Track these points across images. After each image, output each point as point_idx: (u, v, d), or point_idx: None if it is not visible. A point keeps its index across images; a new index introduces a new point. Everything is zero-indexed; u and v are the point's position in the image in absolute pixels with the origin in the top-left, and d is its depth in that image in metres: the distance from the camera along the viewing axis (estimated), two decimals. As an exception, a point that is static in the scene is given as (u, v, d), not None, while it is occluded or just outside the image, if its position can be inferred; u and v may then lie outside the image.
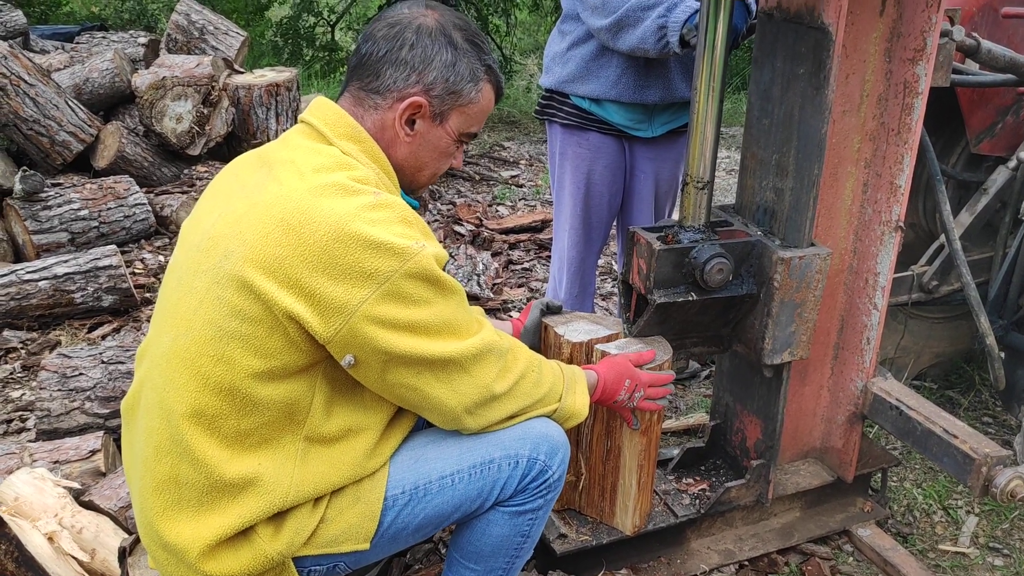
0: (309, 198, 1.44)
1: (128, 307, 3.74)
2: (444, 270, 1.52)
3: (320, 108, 1.61)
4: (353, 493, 1.58)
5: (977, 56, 2.22)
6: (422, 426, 1.72)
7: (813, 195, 1.95)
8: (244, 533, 1.51)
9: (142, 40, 5.55)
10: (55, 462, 2.45)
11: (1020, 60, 2.29)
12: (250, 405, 1.47)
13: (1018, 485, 1.93)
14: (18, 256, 4.21)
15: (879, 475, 2.53)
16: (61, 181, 4.40)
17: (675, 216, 3.26)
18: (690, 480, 2.36)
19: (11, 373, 3.32)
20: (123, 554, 1.76)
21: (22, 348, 3.48)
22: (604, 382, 1.83)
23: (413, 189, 1.69)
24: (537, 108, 3.00)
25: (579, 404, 1.73)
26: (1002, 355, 2.64)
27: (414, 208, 1.59)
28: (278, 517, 1.53)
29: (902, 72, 1.99)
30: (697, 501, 2.29)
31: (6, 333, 3.54)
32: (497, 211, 5.28)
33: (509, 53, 10.86)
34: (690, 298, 2.01)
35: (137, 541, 1.78)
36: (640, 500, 2.12)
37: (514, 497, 1.66)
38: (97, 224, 4.25)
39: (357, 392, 1.57)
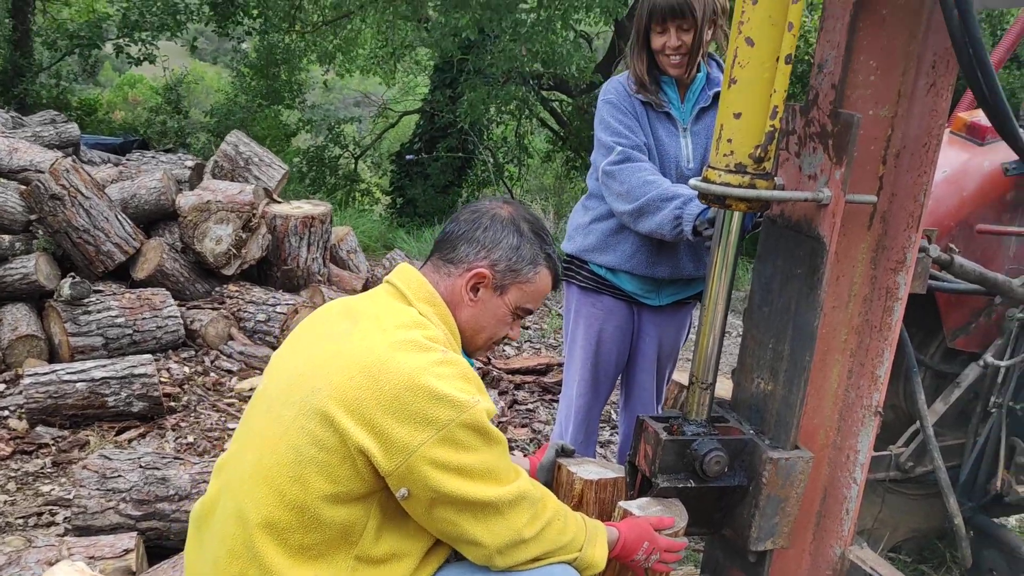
0: (389, 351, 1.72)
1: (155, 414, 3.96)
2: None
3: (404, 273, 1.93)
4: (391, 610, 1.78)
5: (951, 270, 2.55)
6: (453, 558, 1.94)
7: (804, 378, 2.24)
8: (294, 637, 1.71)
9: (189, 163, 5.97)
10: (91, 557, 2.63)
11: (988, 275, 2.63)
12: (315, 523, 1.70)
13: (976, 658, 2.13)
14: (52, 355, 4.45)
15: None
16: (101, 288, 4.69)
17: (676, 377, 3.57)
18: (678, 628, 2.55)
19: (42, 468, 3.52)
20: (168, 649, 1.94)
21: (53, 445, 3.68)
22: (624, 540, 2.02)
23: (472, 351, 1.97)
24: (559, 270, 3.32)
25: (598, 556, 1.94)
26: (970, 535, 2.87)
27: (472, 366, 1.87)
28: (324, 625, 1.73)
29: (885, 279, 2.31)
30: (684, 648, 2.47)
31: (39, 429, 3.75)
32: (504, 351, 5.56)
33: (520, 195, 11.47)
34: (689, 484, 2.26)
35: (182, 637, 1.97)
36: (638, 644, 2.30)
37: (535, 633, 1.86)
38: (131, 332, 4.52)
39: (404, 521, 1.80)
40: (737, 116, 1.99)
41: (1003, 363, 2.89)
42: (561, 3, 8.75)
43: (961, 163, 3.03)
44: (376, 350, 1.72)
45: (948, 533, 3.41)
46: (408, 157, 9.46)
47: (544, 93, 11.83)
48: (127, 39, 11.80)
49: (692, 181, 2.14)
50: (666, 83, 2.92)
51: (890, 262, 2.29)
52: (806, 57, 9.25)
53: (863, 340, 2.37)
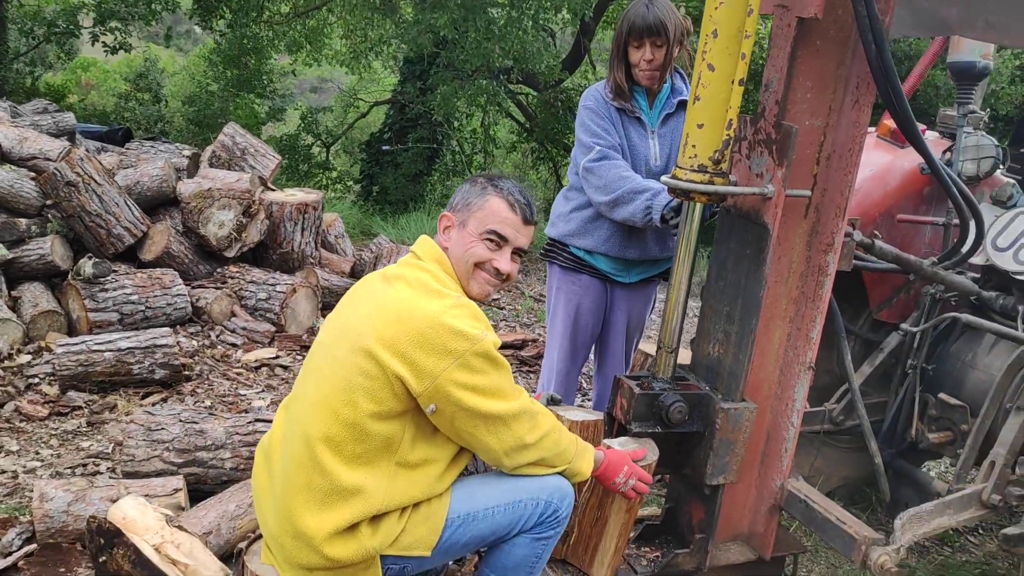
0: (415, 298, 2.20)
1: (174, 381, 4.37)
2: None
3: (422, 243, 2.42)
4: (426, 511, 2.26)
5: (872, 251, 3.07)
6: (472, 466, 2.42)
7: (751, 340, 2.74)
8: (351, 530, 2.17)
9: (186, 152, 6.34)
10: (146, 495, 3.06)
11: (903, 256, 3.16)
12: (363, 436, 2.17)
13: (886, 560, 2.66)
14: (71, 330, 4.83)
15: (792, 563, 3.24)
16: (116, 269, 5.07)
17: (643, 346, 4.08)
18: (647, 548, 3.05)
19: (78, 427, 3.92)
20: (240, 552, 2.39)
21: (85, 407, 4.08)
22: (608, 461, 2.51)
23: (467, 289, 2.39)
24: (542, 251, 3.80)
25: (584, 466, 2.43)
26: (890, 475, 3.42)
27: None
28: (375, 521, 2.19)
29: (817, 259, 2.82)
30: (652, 564, 2.98)
31: (70, 394, 4.15)
32: (482, 330, 6.03)
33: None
34: (657, 430, 2.76)
35: (250, 544, 2.42)
36: (614, 558, 2.80)
37: (534, 528, 2.35)
38: (144, 308, 4.91)
39: (433, 434, 2.27)
40: (700, 126, 2.49)
41: (916, 329, 3.43)
42: (531, 4, 9.22)
43: (885, 163, 3.57)
44: (405, 300, 2.21)
45: (873, 479, 3.98)
46: (384, 148, 9.85)
47: (511, 87, 12.28)
48: (102, 28, 12.00)
49: (663, 178, 2.64)
50: (637, 92, 3.41)
51: (821, 244, 2.81)
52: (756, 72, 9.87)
53: (800, 308, 2.89)
